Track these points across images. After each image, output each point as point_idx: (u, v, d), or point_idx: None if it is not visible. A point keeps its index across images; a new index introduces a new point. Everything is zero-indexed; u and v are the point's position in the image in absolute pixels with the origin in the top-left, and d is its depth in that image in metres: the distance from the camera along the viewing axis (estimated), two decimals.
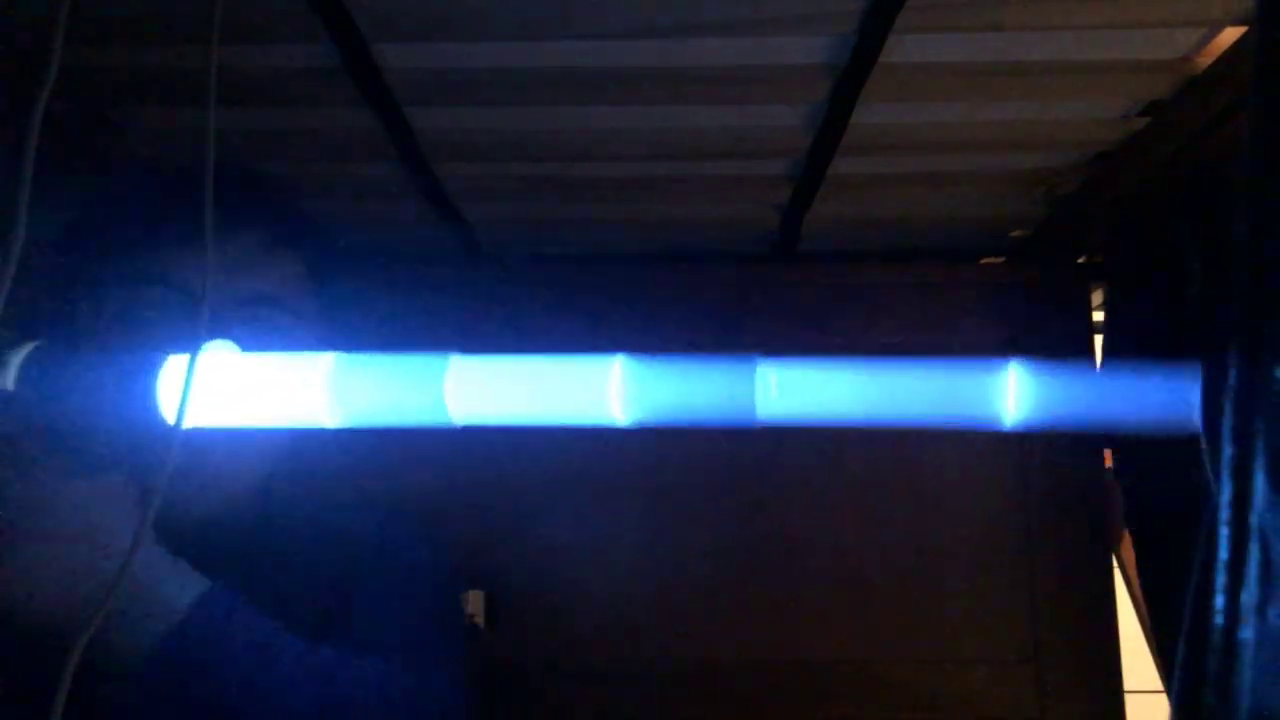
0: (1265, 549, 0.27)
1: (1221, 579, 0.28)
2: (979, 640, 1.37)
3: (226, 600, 0.68)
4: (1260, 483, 0.27)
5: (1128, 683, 1.36)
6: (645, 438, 1.42)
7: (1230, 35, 0.91)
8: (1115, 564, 1.40)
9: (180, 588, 0.66)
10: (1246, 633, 0.27)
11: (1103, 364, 1.39)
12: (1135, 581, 1.35)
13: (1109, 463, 1.38)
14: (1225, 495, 0.28)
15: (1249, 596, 0.27)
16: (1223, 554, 0.28)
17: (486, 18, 0.88)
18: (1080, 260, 1.45)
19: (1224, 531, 0.28)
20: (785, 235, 1.38)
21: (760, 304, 1.45)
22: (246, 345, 0.61)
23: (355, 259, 1.44)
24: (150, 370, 0.54)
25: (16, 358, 0.54)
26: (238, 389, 0.54)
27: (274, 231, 0.82)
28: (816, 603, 1.38)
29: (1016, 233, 1.41)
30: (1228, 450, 0.28)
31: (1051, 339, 1.43)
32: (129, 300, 0.77)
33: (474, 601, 1.33)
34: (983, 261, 1.48)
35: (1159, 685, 1.34)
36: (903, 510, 1.40)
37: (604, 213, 1.33)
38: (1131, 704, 1.36)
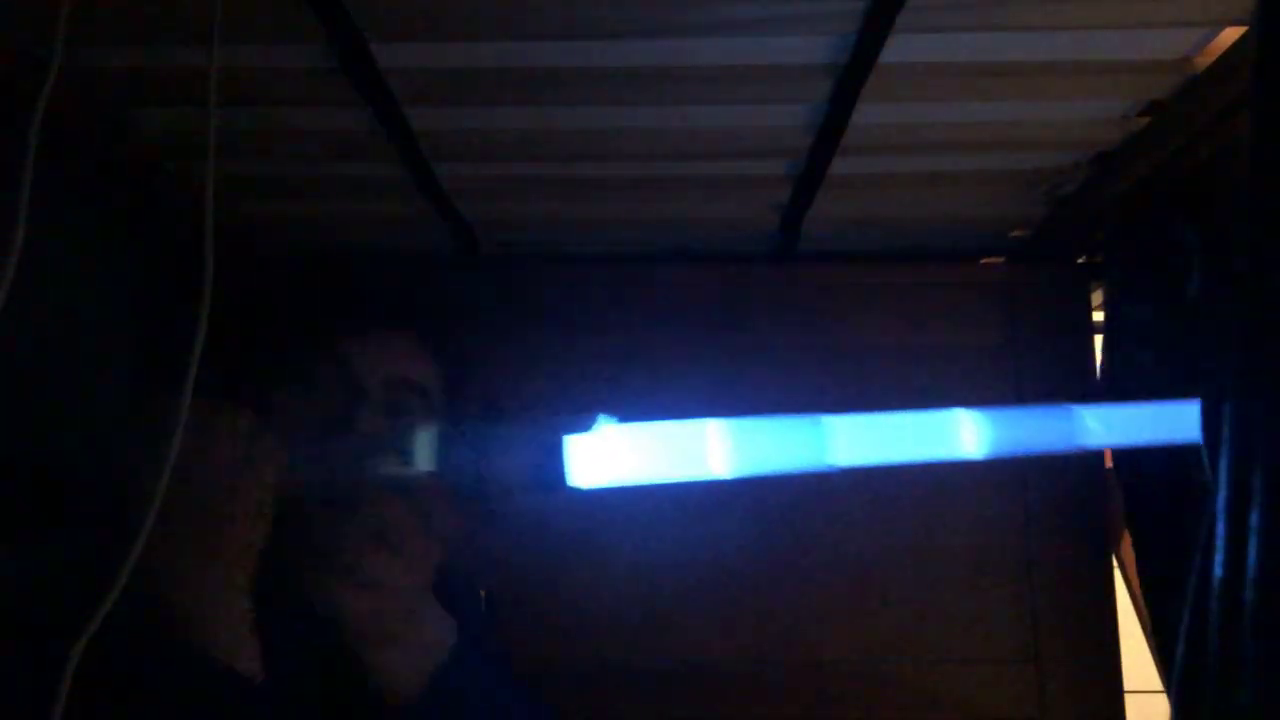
0: (1265, 549, 0.27)
1: (1221, 579, 0.28)
2: (979, 640, 1.37)
3: (471, 644, 0.89)
4: (1259, 483, 0.27)
5: (1128, 683, 1.36)
6: None
7: (1230, 35, 0.91)
8: (1115, 564, 1.40)
9: (446, 631, 0.86)
10: (1246, 632, 0.27)
11: (1103, 364, 1.39)
12: (1135, 581, 1.35)
13: (1109, 463, 1.38)
14: (1224, 495, 0.28)
15: (1248, 596, 0.27)
16: (1222, 554, 0.28)
17: (486, 17, 0.88)
18: (1080, 260, 1.45)
19: (1223, 531, 0.28)
20: (785, 235, 1.38)
21: (760, 304, 1.45)
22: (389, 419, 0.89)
23: (358, 260, 1.44)
24: None
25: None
26: None
27: (428, 337, 1.00)
28: (816, 604, 1.38)
29: (1016, 233, 1.41)
30: (1227, 451, 0.28)
31: (1051, 339, 1.43)
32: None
33: None
34: (983, 261, 1.48)
35: (1159, 685, 1.34)
36: (903, 510, 1.40)
37: (604, 212, 1.33)
38: (1131, 704, 1.36)
